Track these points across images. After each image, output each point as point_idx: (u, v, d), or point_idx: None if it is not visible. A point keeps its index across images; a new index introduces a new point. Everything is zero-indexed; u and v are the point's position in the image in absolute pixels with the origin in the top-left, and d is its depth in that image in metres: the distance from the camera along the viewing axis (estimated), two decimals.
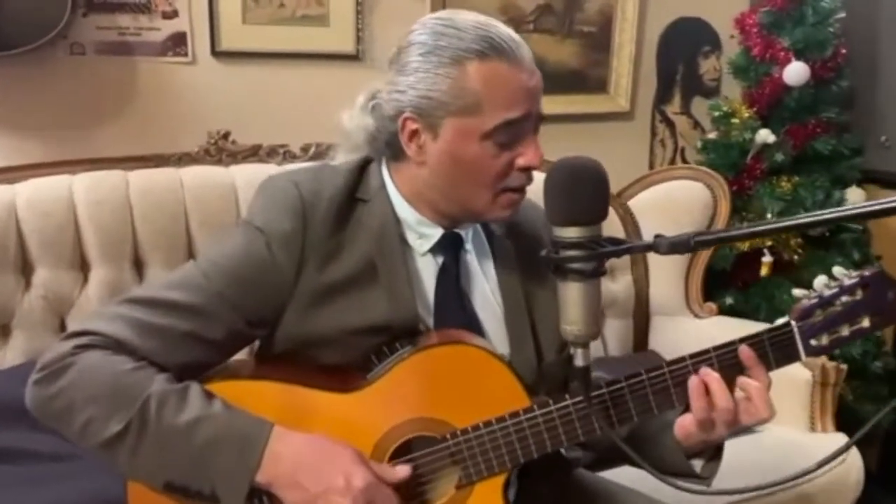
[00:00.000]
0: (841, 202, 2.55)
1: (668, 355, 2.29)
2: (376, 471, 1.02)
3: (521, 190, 1.12)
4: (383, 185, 1.16)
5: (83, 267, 1.94)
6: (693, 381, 1.05)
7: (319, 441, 1.02)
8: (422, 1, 2.40)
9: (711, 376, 1.05)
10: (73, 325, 1.37)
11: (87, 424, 0.99)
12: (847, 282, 1.06)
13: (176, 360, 1.05)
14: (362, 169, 1.17)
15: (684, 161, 2.89)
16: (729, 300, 2.57)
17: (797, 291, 1.24)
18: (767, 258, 2.51)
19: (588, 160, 0.98)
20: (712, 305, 2.43)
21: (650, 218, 2.43)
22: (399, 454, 1.07)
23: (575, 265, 0.95)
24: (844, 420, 2.08)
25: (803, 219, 0.86)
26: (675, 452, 1.10)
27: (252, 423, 1.01)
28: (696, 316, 2.42)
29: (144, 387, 0.99)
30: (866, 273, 1.06)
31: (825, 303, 1.06)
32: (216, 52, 2.25)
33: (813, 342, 1.07)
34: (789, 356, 1.07)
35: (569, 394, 1.07)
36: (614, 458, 1.22)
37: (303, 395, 1.07)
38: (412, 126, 1.10)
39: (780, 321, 1.10)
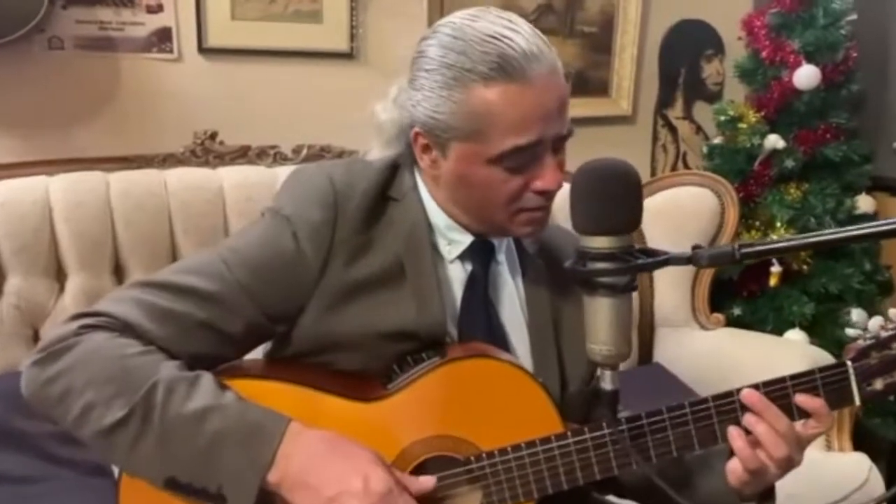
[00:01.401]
0: (852, 210, 2.48)
1: (674, 368, 2.26)
2: (398, 476, 0.94)
3: (540, 209, 1.05)
4: (415, 186, 1.11)
5: (59, 274, 1.87)
6: (733, 432, 0.98)
7: (337, 439, 0.94)
8: None
9: (761, 426, 0.97)
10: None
11: (86, 410, 0.92)
12: None
13: (188, 350, 0.98)
14: (395, 167, 1.11)
15: (686, 167, 2.82)
16: (736, 311, 2.51)
17: (850, 331, 1.18)
18: (776, 268, 2.45)
19: (619, 162, 0.90)
20: (719, 316, 2.36)
21: (655, 225, 2.35)
22: (417, 473, 0.99)
23: (605, 279, 0.87)
24: (854, 434, 2.02)
25: (870, 228, 0.77)
26: (728, 497, 1.02)
27: (267, 417, 0.93)
28: (703, 327, 2.34)
29: (152, 372, 0.93)
30: None
31: (881, 345, 0.99)
32: (203, 49, 2.18)
33: (867, 386, 0.99)
34: (843, 399, 0.99)
35: (605, 423, 0.98)
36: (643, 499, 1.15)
37: (316, 400, 1.00)
38: (423, 141, 1.06)
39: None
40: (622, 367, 2.40)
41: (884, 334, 1.00)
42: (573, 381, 1.13)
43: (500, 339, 1.10)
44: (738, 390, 0.99)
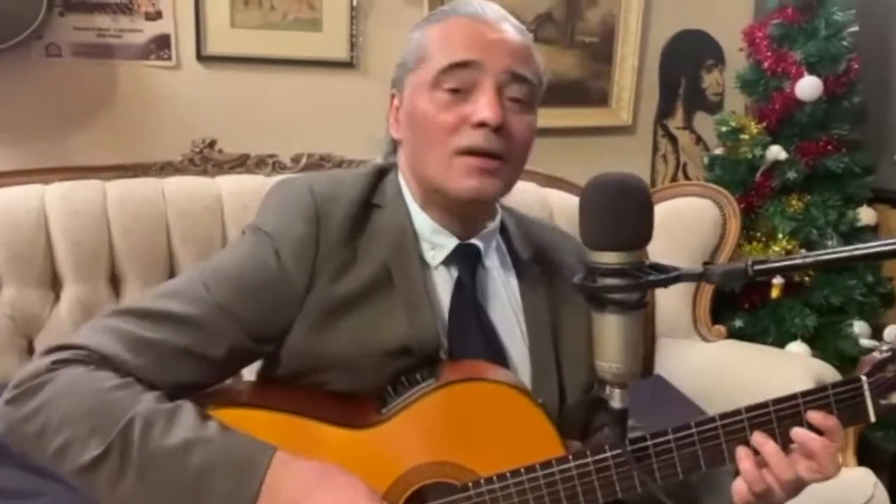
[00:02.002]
0: (854, 222, 2.47)
1: (675, 380, 2.23)
2: None
3: (478, 154, 1.01)
4: (399, 192, 1.10)
5: (54, 284, 1.84)
6: (740, 453, 0.96)
7: (328, 469, 0.91)
8: (418, 6, 2.32)
9: (768, 447, 0.95)
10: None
11: (64, 448, 0.89)
12: None
13: (168, 379, 0.95)
14: (380, 173, 1.11)
15: (686, 177, 2.81)
16: (738, 323, 2.48)
17: (865, 342, 1.15)
18: (778, 280, 2.42)
19: (631, 176, 0.88)
20: (721, 328, 2.32)
21: (656, 237, 2.30)
22: (414, 501, 0.97)
23: (616, 296, 0.84)
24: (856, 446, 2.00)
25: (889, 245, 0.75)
26: None
27: (251, 448, 0.90)
28: (705, 339, 2.31)
29: (129, 406, 0.89)
30: None
31: None
32: (202, 57, 2.16)
33: (882, 401, 0.97)
34: (857, 415, 0.97)
35: (608, 444, 0.96)
36: None
37: (307, 429, 0.96)
38: (395, 102, 1.11)
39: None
40: None
41: None
42: (572, 391, 1.10)
43: (493, 345, 1.07)
44: (748, 408, 0.96)
